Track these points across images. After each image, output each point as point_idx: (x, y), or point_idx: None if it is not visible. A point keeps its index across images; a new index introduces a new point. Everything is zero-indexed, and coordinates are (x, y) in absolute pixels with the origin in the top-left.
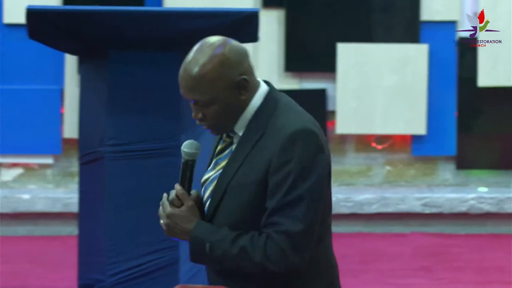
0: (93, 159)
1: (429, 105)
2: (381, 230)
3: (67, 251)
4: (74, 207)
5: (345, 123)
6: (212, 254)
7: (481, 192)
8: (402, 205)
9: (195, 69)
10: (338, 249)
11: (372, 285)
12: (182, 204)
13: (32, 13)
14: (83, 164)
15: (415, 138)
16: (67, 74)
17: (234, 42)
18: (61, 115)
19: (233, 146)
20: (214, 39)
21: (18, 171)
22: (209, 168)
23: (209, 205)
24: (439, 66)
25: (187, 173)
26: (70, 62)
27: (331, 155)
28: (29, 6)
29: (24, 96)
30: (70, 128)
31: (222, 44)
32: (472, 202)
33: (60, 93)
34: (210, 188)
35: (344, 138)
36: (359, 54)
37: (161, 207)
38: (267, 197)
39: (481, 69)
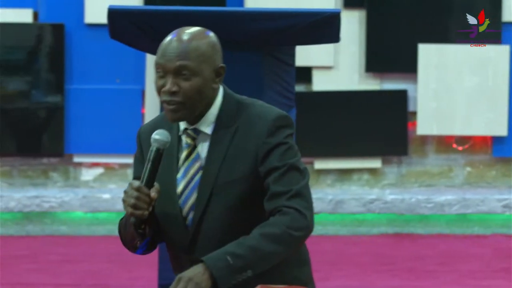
0: None
1: (510, 106)
2: (461, 232)
3: None
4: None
5: (426, 124)
6: (237, 262)
7: None
8: (483, 206)
9: (191, 39)
10: (418, 250)
11: (451, 286)
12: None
13: (114, 13)
14: None
15: (496, 139)
16: (148, 74)
17: (213, 33)
18: (142, 115)
19: (200, 148)
20: (196, 27)
21: (99, 170)
22: (178, 177)
23: (193, 208)
24: None
25: (156, 163)
26: (151, 62)
27: (412, 156)
28: (110, 6)
29: (105, 96)
30: None
31: (208, 31)
32: None
33: (141, 93)
34: (195, 195)
35: (424, 139)
36: (440, 55)
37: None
38: (264, 179)
39: None
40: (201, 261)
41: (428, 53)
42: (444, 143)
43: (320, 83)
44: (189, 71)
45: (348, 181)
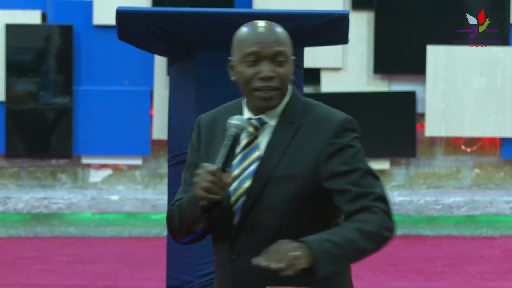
0: (182, 161)
1: None
2: (470, 233)
3: (155, 252)
4: (163, 208)
5: (434, 125)
6: (337, 250)
7: None
8: (491, 208)
9: (277, 27)
10: (427, 251)
11: (460, 287)
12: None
13: (122, 14)
14: (172, 166)
15: (504, 141)
16: (156, 75)
17: None
18: (150, 117)
19: (261, 138)
20: None
21: (107, 172)
22: (234, 163)
23: (245, 195)
24: None
25: (233, 148)
26: (160, 63)
27: (420, 157)
28: (118, 7)
29: (113, 98)
30: (159, 130)
31: None
32: None
33: (150, 95)
34: (248, 183)
35: (433, 140)
36: (448, 56)
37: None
38: (333, 181)
39: None
40: (300, 242)
41: (436, 55)
42: (453, 145)
43: (329, 84)
44: (284, 57)
45: None
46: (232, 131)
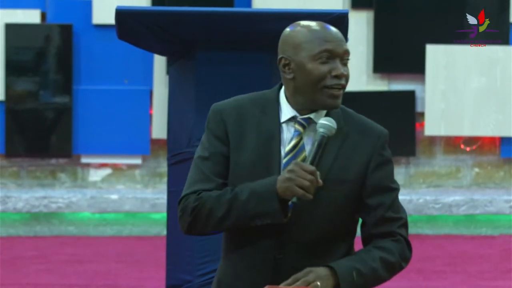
0: (181, 160)
1: None
2: (469, 232)
3: (154, 251)
4: (162, 207)
5: (433, 124)
6: (359, 280)
7: None
8: (491, 207)
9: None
10: (426, 250)
11: (460, 287)
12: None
13: (121, 13)
14: (171, 165)
15: (504, 140)
16: (156, 75)
17: None
18: (150, 116)
19: (307, 139)
20: None
21: (107, 171)
22: (284, 162)
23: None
24: None
25: (323, 149)
26: (159, 63)
27: (419, 157)
28: (118, 6)
29: (113, 97)
30: (158, 129)
31: None
32: None
33: (149, 94)
34: None
35: (432, 139)
36: (448, 56)
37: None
38: (370, 194)
39: None
40: (328, 266)
41: (436, 54)
42: (452, 144)
43: None
44: (348, 57)
45: None
46: (323, 132)
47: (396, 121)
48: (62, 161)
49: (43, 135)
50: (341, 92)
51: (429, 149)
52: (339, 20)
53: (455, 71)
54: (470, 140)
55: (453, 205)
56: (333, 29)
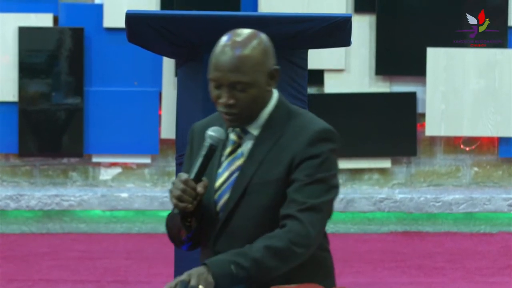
0: None
1: None
2: (469, 230)
3: (163, 248)
4: (170, 205)
5: (434, 125)
6: (239, 272)
7: None
8: (489, 205)
9: (241, 50)
10: (427, 247)
11: (459, 283)
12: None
13: (131, 17)
14: (180, 164)
15: (502, 140)
16: (164, 76)
17: (264, 34)
18: (159, 117)
19: (245, 147)
20: (247, 29)
21: (117, 170)
22: (219, 171)
23: (226, 204)
24: None
25: (207, 159)
26: (168, 65)
27: (420, 156)
28: (128, 11)
29: (123, 98)
30: (167, 129)
31: (259, 33)
32: None
33: (158, 95)
34: (231, 189)
35: (433, 140)
36: (448, 58)
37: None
38: (290, 185)
39: None
40: (204, 264)
41: (436, 57)
42: (452, 144)
43: (332, 85)
44: (242, 85)
45: (359, 180)
46: (207, 142)
47: (398, 122)
48: (73, 160)
49: (55, 135)
50: (232, 117)
51: (430, 149)
52: (343, 24)
53: (455, 73)
54: (470, 140)
55: (453, 203)
56: (227, 56)
